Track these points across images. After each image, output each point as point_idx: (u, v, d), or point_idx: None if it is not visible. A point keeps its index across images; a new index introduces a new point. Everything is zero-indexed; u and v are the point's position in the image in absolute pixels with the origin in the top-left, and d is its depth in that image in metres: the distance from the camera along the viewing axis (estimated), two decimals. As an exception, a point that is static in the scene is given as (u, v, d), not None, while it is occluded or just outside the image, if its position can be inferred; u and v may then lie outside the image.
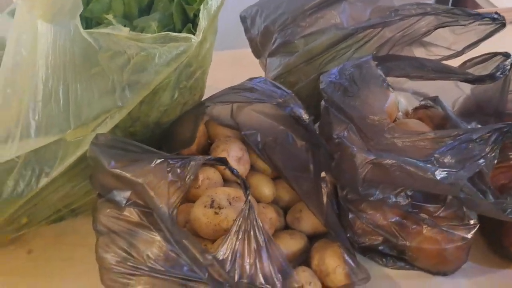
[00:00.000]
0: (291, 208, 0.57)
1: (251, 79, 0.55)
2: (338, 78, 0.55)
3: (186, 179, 0.44)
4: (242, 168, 0.55)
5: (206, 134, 0.60)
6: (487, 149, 0.45)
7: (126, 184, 0.45)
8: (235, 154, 0.55)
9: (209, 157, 0.46)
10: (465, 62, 0.60)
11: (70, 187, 0.53)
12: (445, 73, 0.55)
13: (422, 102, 0.68)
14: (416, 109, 0.67)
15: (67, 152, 0.47)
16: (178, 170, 0.44)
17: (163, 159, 0.45)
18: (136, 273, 0.44)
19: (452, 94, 0.66)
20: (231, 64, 0.89)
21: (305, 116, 0.50)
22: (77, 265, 0.56)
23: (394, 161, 0.45)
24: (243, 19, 0.76)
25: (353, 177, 0.47)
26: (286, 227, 0.57)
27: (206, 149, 0.60)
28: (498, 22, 0.53)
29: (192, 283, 0.43)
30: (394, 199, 0.51)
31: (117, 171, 0.44)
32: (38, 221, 0.55)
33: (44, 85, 0.43)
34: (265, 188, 0.55)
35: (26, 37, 0.42)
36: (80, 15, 0.46)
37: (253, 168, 0.58)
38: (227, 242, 0.42)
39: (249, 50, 0.76)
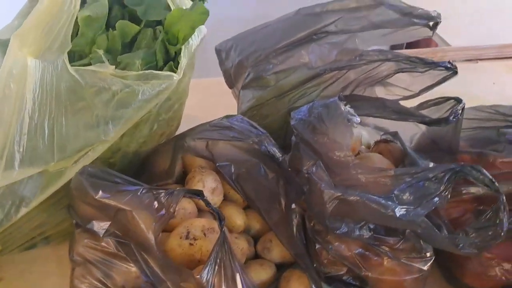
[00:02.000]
0: (261, 237, 0.60)
1: (228, 116, 0.58)
2: (308, 116, 0.59)
3: (170, 208, 0.46)
4: (216, 199, 0.58)
5: (181, 164, 0.62)
6: (441, 187, 0.49)
7: (110, 213, 0.46)
8: (210, 185, 0.57)
9: (188, 189, 0.48)
10: (421, 104, 0.65)
11: (46, 216, 0.54)
12: (404, 114, 0.61)
13: (383, 137, 0.74)
14: (377, 142, 0.73)
15: (48, 183, 0.48)
16: (163, 200, 0.46)
17: (148, 189, 0.47)
18: (111, 304, 0.46)
19: (410, 130, 0.72)
20: (205, 92, 0.92)
21: (278, 154, 0.53)
22: (49, 294, 0.57)
23: (358, 198, 0.49)
24: (218, 52, 0.79)
25: (321, 211, 0.51)
26: (256, 256, 0.60)
27: (180, 179, 0.62)
28: (450, 70, 0.60)
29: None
30: (358, 233, 0.54)
31: (106, 200, 0.46)
32: (10, 249, 0.56)
33: (31, 119, 0.45)
34: (237, 218, 0.58)
35: (16, 71, 0.44)
36: (65, 49, 0.48)
37: (226, 198, 0.61)
38: (207, 270, 0.45)
39: (222, 79, 0.80)
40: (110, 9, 0.61)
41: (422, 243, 0.55)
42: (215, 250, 0.46)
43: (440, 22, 0.69)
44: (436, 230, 0.50)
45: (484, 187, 0.48)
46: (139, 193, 0.45)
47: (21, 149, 0.45)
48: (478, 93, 0.95)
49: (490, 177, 0.44)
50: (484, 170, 0.44)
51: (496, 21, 1.24)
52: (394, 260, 0.52)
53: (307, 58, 0.69)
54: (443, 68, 0.59)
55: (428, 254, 0.53)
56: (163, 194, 0.45)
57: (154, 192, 0.45)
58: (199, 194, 0.48)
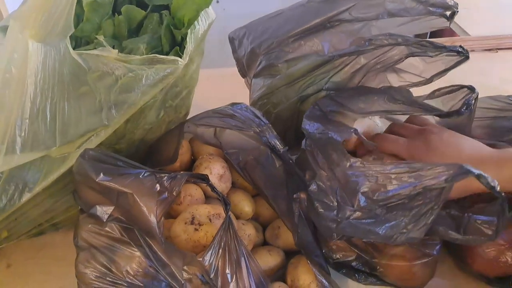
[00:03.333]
0: (270, 224, 0.59)
1: (232, 104, 0.57)
2: (316, 133, 0.56)
3: (173, 191, 0.45)
4: (223, 186, 0.57)
5: (190, 151, 0.62)
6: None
7: (113, 196, 0.46)
8: (217, 172, 0.56)
9: (192, 173, 0.48)
10: (434, 91, 0.63)
11: (52, 202, 0.54)
12: (414, 107, 0.58)
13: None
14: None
15: (51, 168, 0.48)
16: (165, 183, 0.45)
17: (150, 172, 0.46)
18: (115, 288, 0.45)
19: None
20: (217, 82, 0.91)
21: (279, 146, 0.52)
22: (56, 280, 0.57)
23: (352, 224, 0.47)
24: (231, 40, 0.78)
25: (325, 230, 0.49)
26: (265, 243, 0.59)
27: (189, 166, 0.61)
28: (462, 54, 0.57)
29: (171, 298, 0.44)
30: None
31: (106, 183, 0.45)
32: (18, 235, 0.56)
33: (32, 103, 0.45)
34: (245, 205, 0.57)
35: (17, 55, 0.44)
36: (71, 35, 0.48)
37: (234, 185, 0.60)
38: (210, 253, 0.44)
39: (235, 68, 0.79)
40: (117, -6, 0.61)
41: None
42: (219, 234, 0.45)
43: (458, 11, 0.66)
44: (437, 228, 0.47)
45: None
46: (141, 176, 0.44)
47: (22, 134, 0.45)
48: (496, 82, 0.93)
49: (493, 184, 0.41)
50: (489, 178, 0.42)
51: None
52: (403, 245, 0.50)
53: (320, 46, 0.67)
54: (455, 53, 0.57)
55: (436, 239, 0.51)
56: (166, 177, 0.45)
57: (157, 176, 0.45)
58: (204, 178, 0.48)
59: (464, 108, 0.55)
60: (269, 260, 0.54)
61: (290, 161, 0.54)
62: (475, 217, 0.46)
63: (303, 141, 0.55)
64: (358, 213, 0.47)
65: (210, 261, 0.43)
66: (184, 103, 0.60)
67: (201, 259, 0.43)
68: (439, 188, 0.44)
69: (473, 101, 0.56)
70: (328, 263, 0.55)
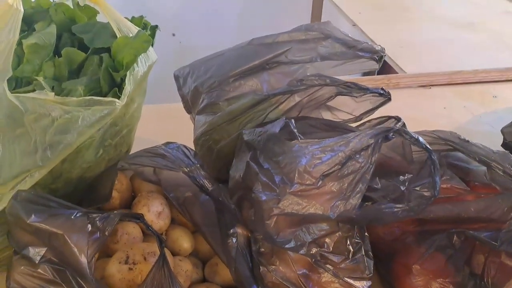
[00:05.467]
0: (209, 261, 0.60)
1: (166, 143, 0.59)
2: (257, 136, 0.60)
3: (106, 231, 0.46)
4: (162, 223, 0.58)
5: (131, 189, 0.63)
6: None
7: (45, 237, 0.46)
8: (155, 209, 0.58)
9: (125, 212, 0.49)
10: (364, 122, 0.68)
11: (-14, 243, 0.53)
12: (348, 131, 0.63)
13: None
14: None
15: (-16, 210, 0.48)
16: (98, 223, 0.46)
17: (83, 213, 0.47)
18: (46, 330, 0.45)
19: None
20: (167, 116, 0.93)
21: (208, 185, 0.55)
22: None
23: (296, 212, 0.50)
24: (176, 78, 0.81)
25: (264, 226, 0.51)
26: (205, 280, 0.60)
27: (129, 203, 0.62)
28: (384, 96, 0.63)
29: None
30: (305, 249, 0.55)
31: (37, 224, 0.46)
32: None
33: (-34, 145, 0.45)
34: (184, 241, 0.58)
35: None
36: (11, 76, 0.49)
37: (175, 222, 0.61)
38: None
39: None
40: (60, 37, 0.62)
41: (366, 263, 0.56)
42: (152, 272, 0.46)
43: (385, 55, 0.73)
44: (371, 206, 0.51)
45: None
46: (72, 217, 0.45)
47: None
48: (429, 117, 1.00)
49: (416, 136, 0.48)
50: (411, 132, 0.48)
51: (447, 50, 1.31)
52: (335, 277, 0.53)
53: (259, 86, 0.72)
54: (377, 94, 0.62)
55: (367, 273, 0.54)
56: (98, 217, 0.46)
57: (90, 216, 0.46)
58: (137, 217, 0.49)
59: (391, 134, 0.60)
60: (207, 296, 0.56)
61: (220, 199, 0.56)
62: (413, 186, 0.51)
63: (248, 155, 0.58)
64: (296, 186, 0.50)
65: (143, 300, 0.44)
66: (125, 140, 0.62)
67: (131, 298, 0.43)
68: (368, 148, 0.48)
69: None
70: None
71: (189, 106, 0.80)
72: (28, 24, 0.62)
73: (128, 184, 0.62)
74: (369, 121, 0.68)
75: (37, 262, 0.47)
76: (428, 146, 0.48)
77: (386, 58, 1.30)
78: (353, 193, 0.49)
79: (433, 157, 0.48)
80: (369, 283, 0.55)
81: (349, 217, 0.51)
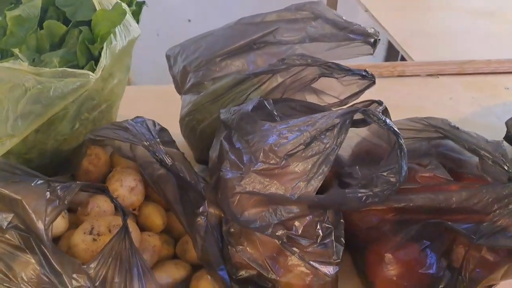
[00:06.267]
0: (180, 239, 0.60)
1: (134, 118, 0.59)
2: (232, 115, 0.60)
3: (65, 200, 0.47)
4: (134, 198, 0.58)
5: (109, 164, 0.63)
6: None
7: (7, 204, 0.47)
8: (128, 184, 0.58)
9: (88, 183, 0.49)
10: (349, 107, 0.66)
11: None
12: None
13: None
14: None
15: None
16: (58, 192, 0.47)
17: (44, 181, 0.48)
18: (10, 295, 0.46)
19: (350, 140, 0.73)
20: (155, 98, 0.93)
21: (168, 161, 0.54)
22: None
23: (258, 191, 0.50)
24: (167, 57, 0.81)
25: (228, 204, 0.51)
26: (176, 257, 0.60)
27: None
28: (367, 78, 0.61)
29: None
30: (271, 230, 0.54)
31: (-1, 189, 0.47)
32: None
33: None
34: (155, 217, 0.58)
35: None
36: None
37: (149, 199, 0.62)
38: (97, 261, 0.45)
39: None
40: (46, 10, 0.63)
41: (335, 248, 0.55)
42: (111, 243, 0.46)
43: (379, 39, 0.70)
44: (336, 190, 0.50)
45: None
46: (33, 184, 0.46)
47: None
48: (433, 107, 0.96)
49: (383, 118, 0.48)
50: (378, 114, 0.48)
51: (461, 40, 1.25)
52: (301, 260, 0.52)
53: (245, 66, 0.71)
54: (359, 76, 0.60)
55: (334, 258, 0.53)
56: (59, 186, 0.46)
57: (51, 184, 0.46)
58: (102, 189, 0.49)
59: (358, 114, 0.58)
60: (174, 273, 0.56)
61: (181, 175, 0.56)
62: (380, 173, 0.51)
63: (223, 134, 0.58)
64: (260, 165, 0.50)
65: (97, 269, 0.45)
66: (104, 116, 0.62)
67: (85, 266, 0.44)
68: (334, 129, 0.47)
69: (380, 112, 0.59)
70: (232, 279, 0.57)
71: (179, 86, 0.80)
72: (15, -3, 0.63)
73: (107, 160, 0.63)
74: (353, 105, 0.66)
75: (4, 227, 0.48)
76: (395, 129, 0.47)
77: (396, 46, 1.27)
78: (316, 174, 0.48)
79: (400, 140, 0.47)
80: (336, 268, 0.53)
81: (312, 200, 0.49)
